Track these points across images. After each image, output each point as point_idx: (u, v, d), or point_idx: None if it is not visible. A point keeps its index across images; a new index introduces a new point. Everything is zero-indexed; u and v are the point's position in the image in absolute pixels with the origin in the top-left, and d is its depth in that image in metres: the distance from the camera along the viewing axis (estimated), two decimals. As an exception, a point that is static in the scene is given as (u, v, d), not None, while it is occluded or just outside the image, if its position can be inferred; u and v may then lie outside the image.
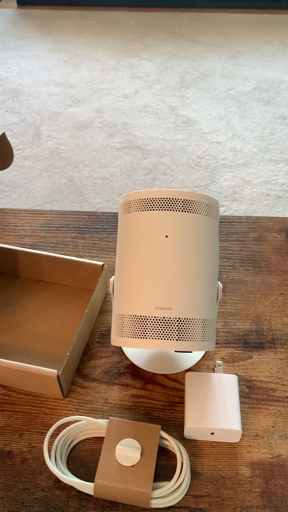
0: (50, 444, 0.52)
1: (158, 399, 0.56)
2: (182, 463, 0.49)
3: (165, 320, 0.48)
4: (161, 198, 0.49)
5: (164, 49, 2.54)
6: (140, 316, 0.48)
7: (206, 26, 2.76)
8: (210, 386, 0.53)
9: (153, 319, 0.48)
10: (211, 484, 0.49)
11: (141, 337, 0.48)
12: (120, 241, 0.53)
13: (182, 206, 0.49)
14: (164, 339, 0.47)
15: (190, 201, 0.49)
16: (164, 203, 0.49)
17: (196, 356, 0.60)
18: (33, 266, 0.67)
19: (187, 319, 0.48)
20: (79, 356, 0.59)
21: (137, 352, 0.60)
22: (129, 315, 0.49)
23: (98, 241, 0.75)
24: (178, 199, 0.49)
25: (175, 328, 0.48)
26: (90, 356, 0.61)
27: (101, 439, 0.53)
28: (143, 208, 0.50)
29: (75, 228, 0.78)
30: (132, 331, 0.49)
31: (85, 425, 0.52)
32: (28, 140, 1.91)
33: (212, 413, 0.51)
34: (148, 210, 0.50)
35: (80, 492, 0.49)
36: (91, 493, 0.47)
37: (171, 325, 0.48)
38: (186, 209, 0.49)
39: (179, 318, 0.48)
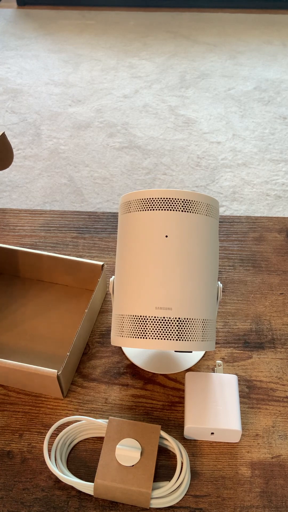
0: (50, 444, 0.52)
1: (158, 399, 0.56)
2: (182, 463, 0.49)
3: (165, 320, 0.48)
4: (161, 198, 0.49)
5: (164, 49, 2.54)
6: (140, 316, 0.48)
7: (206, 26, 2.76)
8: (210, 386, 0.53)
9: (153, 319, 0.48)
10: (211, 484, 0.49)
11: (141, 337, 0.48)
12: (120, 241, 0.53)
13: (182, 206, 0.49)
14: (164, 339, 0.47)
15: (190, 201, 0.49)
16: (164, 203, 0.49)
17: (196, 356, 0.60)
18: (33, 266, 0.67)
19: (187, 319, 0.48)
20: (79, 356, 0.59)
21: (137, 352, 0.60)
22: (129, 315, 0.49)
23: (98, 241, 0.75)
24: (178, 199, 0.49)
25: (175, 328, 0.48)
26: (90, 356, 0.61)
27: (101, 439, 0.53)
28: (143, 208, 0.50)
29: (75, 228, 0.78)
30: (132, 331, 0.49)
31: (85, 425, 0.52)
32: (28, 140, 1.91)
33: (212, 413, 0.51)
34: (148, 210, 0.50)
35: (80, 492, 0.49)
36: (91, 493, 0.47)
37: (171, 325, 0.48)
38: (186, 209, 0.49)
39: (179, 318, 0.48)
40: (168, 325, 0.48)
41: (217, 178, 1.73)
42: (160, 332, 0.48)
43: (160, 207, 0.49)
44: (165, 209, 0.49)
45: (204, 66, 2.39)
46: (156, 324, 0.48)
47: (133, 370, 0.59)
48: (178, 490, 0.48)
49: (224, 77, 2.30)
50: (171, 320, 0.48)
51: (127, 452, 0.48)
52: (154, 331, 0.48)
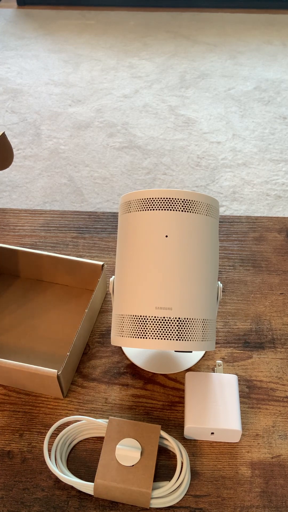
0: (50, 444, 0.52)
1: (158, 399, 0.56)
2: (182, 463, 0.49)
3: (165, 320, 0.48)
4: (161, 198, 0.49)
5: (164, 49, 2.54)
6: (140, 316, 0.48)
7: (206, 26, 2.76)
8: (210, 386, 0.53)
9: (153, 319, 0.48)
10: (211, 484, 0.49)
11: (141, 337, 0.48)
12: (120, 241, 0.53)
13: (182, 206, 0.49)
14: (164, 339, 0.47)
15: (190, 201, 0.49)
16: (164, 203, 0.49)
17: (196, 356, 0.60)
18: (33, 266, 0.67)
19: (187, 319, 0.48)
20: (79, 356, 0.59)
21: (137, 352, 0.60)
22: (129, 315, 0.49)
23: (98, 241, 0.75)
24: (178, 199, 0.49)
25: (175, 328, 0.48)
26: (90, 356, 0.61)
27: (101, 439, 0.53)
28: (143, 208, 0.50)
29: (75, 228, 0.78)
30: (132, 331, 0.49)
31: (85, 425, 0.52)
32: (28, 140, 1.91)
33: (212, 413, 0.51)
34: (148, 210, 0.50)
35: (80, 492, 0.49)
36: (91, 493, 0.47)
37: (171, 325, 0.48)
38: (186, 209, 0.49)
39: (179, 318, 0.48)
40: (168, 325, 0.48)
41: (217, 178, 1.73)
42: (160, 332, 0.48)
43: (160, 207, 0.49)
44: (165, 209, 0.49)
45: (204, 66, 2.39)
46: (156, 324, 0.48)
47: (133, 370, 0.59)
48: (178, 490, 0.48)
49: (224, 77, 2.30)
50: (171, 320, 0.48)
51: (127, 452, 0.48)
52: (154, 331, 0.48)
